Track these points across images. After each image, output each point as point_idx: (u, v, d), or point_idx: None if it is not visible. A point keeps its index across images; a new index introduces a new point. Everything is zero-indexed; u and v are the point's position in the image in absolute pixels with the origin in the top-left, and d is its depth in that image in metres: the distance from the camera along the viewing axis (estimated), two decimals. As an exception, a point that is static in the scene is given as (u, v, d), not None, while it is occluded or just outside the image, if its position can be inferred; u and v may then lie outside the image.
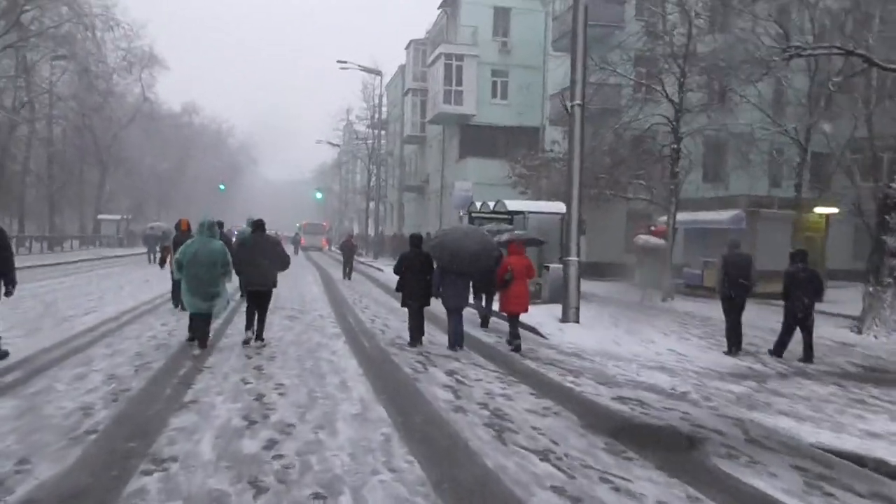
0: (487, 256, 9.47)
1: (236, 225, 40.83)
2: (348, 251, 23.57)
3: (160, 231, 29.23)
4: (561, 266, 16.44)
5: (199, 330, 8.85)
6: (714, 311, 14.36)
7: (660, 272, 17.89)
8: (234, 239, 12.63)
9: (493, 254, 9.62)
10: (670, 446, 5.50)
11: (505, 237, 12.26)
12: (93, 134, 37.89)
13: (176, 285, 10.98)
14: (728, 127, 20.35)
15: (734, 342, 10.17)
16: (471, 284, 9.98)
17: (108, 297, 14.64)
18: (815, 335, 10.00)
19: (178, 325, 10.63)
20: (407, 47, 45.47)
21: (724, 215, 18.43)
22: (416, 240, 9.80)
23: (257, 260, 9.15)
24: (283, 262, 9.47)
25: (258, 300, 9.29)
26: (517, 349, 9.63)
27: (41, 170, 39.80)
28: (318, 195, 71.93)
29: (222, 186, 74.11)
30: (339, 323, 11.95)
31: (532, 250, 13.91)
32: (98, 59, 36.64)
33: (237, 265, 9.06)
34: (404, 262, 9.53)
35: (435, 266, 9.30)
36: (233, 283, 9.15)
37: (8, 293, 7.49)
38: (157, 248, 25.92)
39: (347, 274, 23.10)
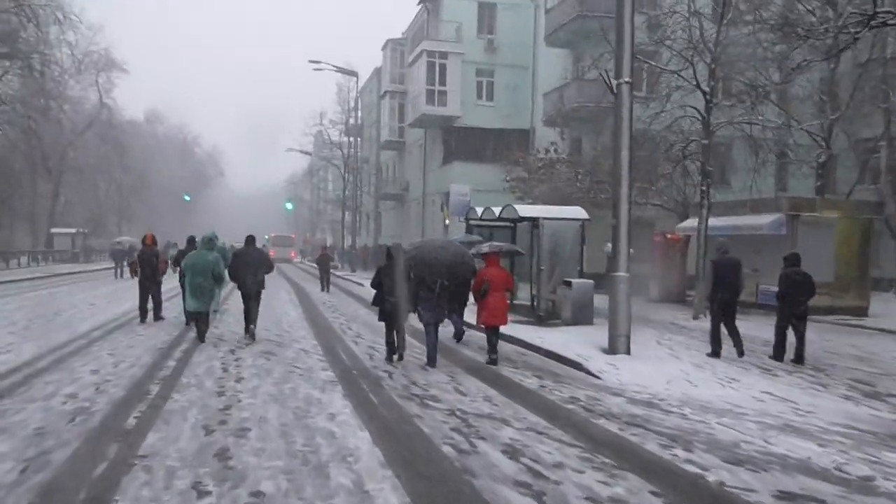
0: (464, 268, 9.40)
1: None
2: (324, 264, 23.32)
3: (126, 245, 31.29)
4: (583, 282, 14.13)
5: (198, 326, 10.68)
6: (759, 328, 12.46)
7: (688, 285, 15.55)
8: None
9: (469, 265, 9.52)
10: None
11: (484, 248, 11.47)
12: (39, 140, 34.41)
13: (143, 299, 12.87)
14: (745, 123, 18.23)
15: (717, 346, 10.19)
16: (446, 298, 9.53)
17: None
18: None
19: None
20: (384, 48, 43.03)
21: (762, 220, 16.22)
22: (393, 251, 9.46)
23: (250, 267, 11.16)
24: (270, 267, 11.72)
25: (251, 299, 11.18)
26: (493, 363, 9.38)
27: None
28: (289, 205, 68.84)
29: (187, 197, 70.52)
30: (329, 361, 9.30)
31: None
32: (46, 58, 33.23)
33: (233, 272, 11.17)
34: (381, 275, 9.27)
35: (410, 279, 9.12)
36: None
37: None
38: (125, 263, 26.28)
39: (325, 287, 22.67)
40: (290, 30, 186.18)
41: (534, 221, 15.23)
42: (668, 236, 20.03)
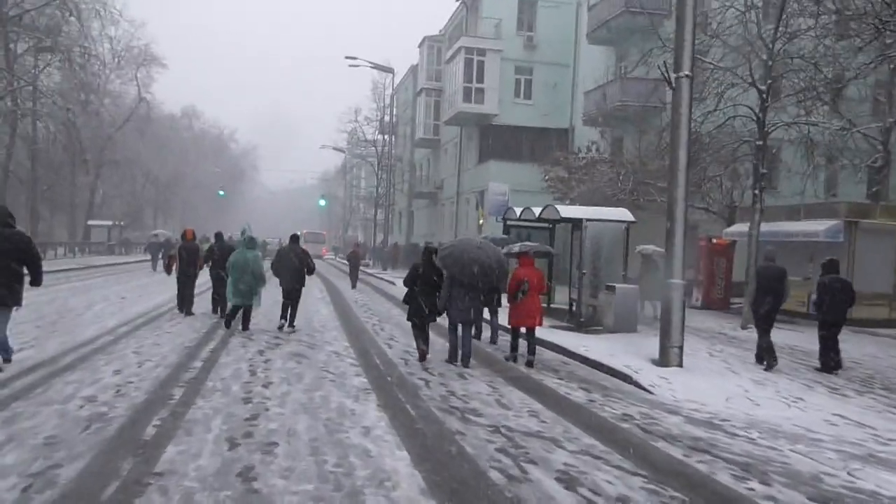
0: (500, 270, 9.23)
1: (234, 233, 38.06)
2: (354, 260, 23.72)
3: (163, 238, 30.63)
4: (628, 287, 13.43)
5: (238, 316, 11.22)
6: (811, 340, 11.71)
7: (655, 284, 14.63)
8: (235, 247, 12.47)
9: (504, 268, 9.38)
10: None
11: (516, 249, 11.77)
12: (79, 133, 34.72)
13: (181, 290, 13.16)
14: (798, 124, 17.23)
15: (772, 358, 9.65)
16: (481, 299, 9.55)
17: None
18: None
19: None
20: (420, 45, 42.60)
21: (818, 226, 15.31)
22: (429, 251, 9.38)
23: (291, 265, 11.73)
24: (311, 268, 12.00)
25: (291, 297, 11.71)
26: (530, 364, 9.27)
27: (24, 171, 36.72)
28: (322, 202, 68.92)
29: (222, 192, 71.11)
30: (362, 366, 8.81)
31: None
32: (87, 52, 33.49)
33: (275, 269, 11.93)
34: (417, 274, 9.16)
35: (445, 278, 9.01)
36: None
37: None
38: (161, 256, 25.71)
39: (354, 284, 23.04)
40: (327, 29, 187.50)
41: (575, 223, 14.61)
42: (714, 241, 19.14)
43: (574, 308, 15.60)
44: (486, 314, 11.16)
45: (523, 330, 9.55)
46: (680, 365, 9.10)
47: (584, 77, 30.04)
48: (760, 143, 14.80)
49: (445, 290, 8.97)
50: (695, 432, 6.31)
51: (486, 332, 11.70)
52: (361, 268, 24.86)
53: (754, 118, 14.86)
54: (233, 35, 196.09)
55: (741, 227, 16.06)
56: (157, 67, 50.61)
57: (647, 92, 24.23)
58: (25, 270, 7.34)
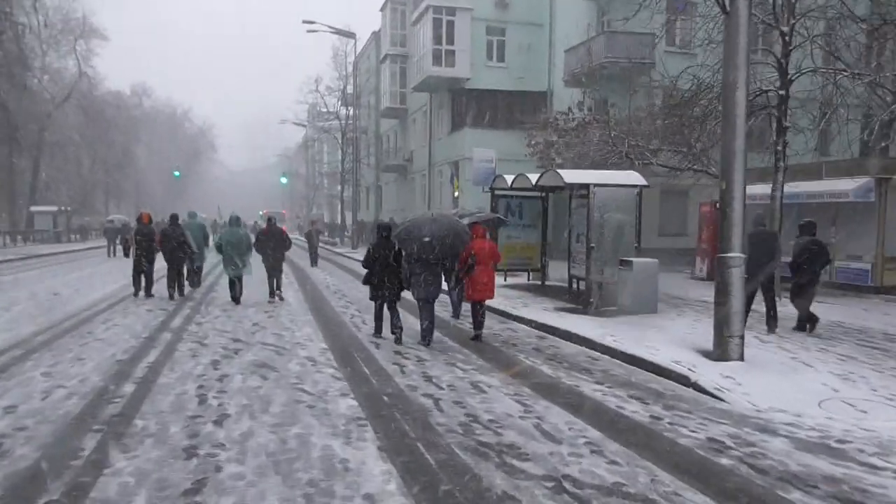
0: (458, 241, 8.83)
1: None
2: (312, 239, 23.60)
3: (119, 224, 31.41)
4: (646, 262, 11.67)
5: (235, 290, 12.68)
6: (853, 314, 11.24)
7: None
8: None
9: (462, 237, 8.93)
10: None
11: (466, 220, 11.08)
12: (7, 111, 31.56)
13: (136, 275, 13.53)
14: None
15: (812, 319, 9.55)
16: (442, 274, 9.08)
17: None
18: None
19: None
20: (383, 8, 39.92)
21: (847, 185, 13.73)
22: (384, 228, 9.26)
23: (272, 243, 13.06)
24: (288, 244, 13.46)
25: (275, 269, 13.10)
26: (478, 338, 9.15)
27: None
28: (283, 180, 65.97)
29: (177, 173, 67.54)
30: (348, 378, 6.85)
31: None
32: (7, 17, 30.24)
33: (257, 247, 13.00)
34: (374, 252, 9.00)
35: (404, 255, 8.84)
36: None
37: None
38: (118, 241, 25.81)
39: (314, 262, 22.84)
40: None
41: (575, 189, 12.80)
42: (719, 205, 17.51)
43: (576, 286, 13.90)
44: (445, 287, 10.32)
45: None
46: (741, 358, 7.37)
47: (561, 36, 28.08)
48: (783, 92, 13.08)
49: (406, 268, 8.82)
50: (820, 466, 4.55)
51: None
52: (328, 247, 23.53)
53: (775, 64, 13.11)
54: (182, 10, 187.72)
55: (759, 189, 14.38)
56: (98, 40, 47.10)
57: (635, 46, 22.49)
58: None
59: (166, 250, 13.27)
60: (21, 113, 36.68)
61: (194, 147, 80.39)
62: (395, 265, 8.88)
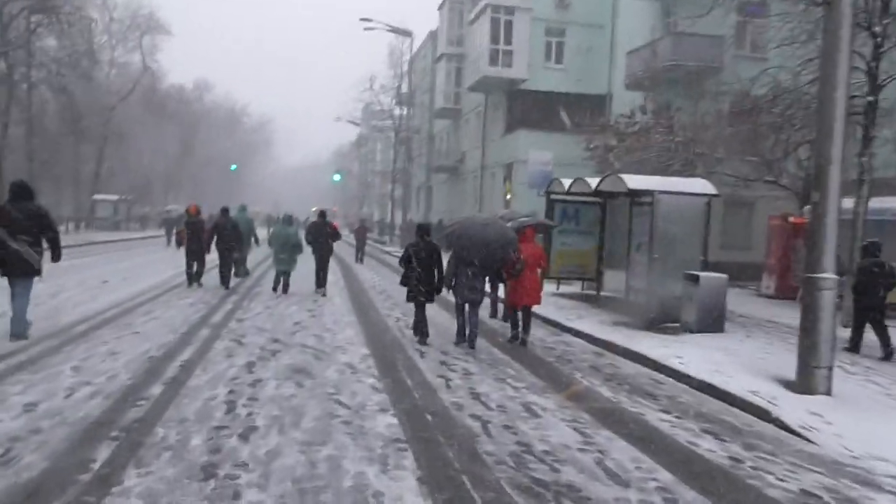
0: (510, 248, 8.70)
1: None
2: (361, 235, 24.91)
3: (176, 214, 31.17)
4: (714, 276, 10.82)
5: (282, 282, 13.40)
6: None
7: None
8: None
9: (513, 244, 8.80)
10: None
11: (513, 224, 10.72)
12: (74, 101, 32.40)
13: (188, 265, 13.76)
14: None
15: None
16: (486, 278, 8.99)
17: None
18: None
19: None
20: (441, 7, 39.53)
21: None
22: (423, 229, 9.16)
23: (322, 235, 13.96)
24: (336, 236, 14.32)
25: (323, 260, 13.84)
26: (524, 343, 9.02)
27: (22, 143, 34.44)
28: (336, 177, 66.32)
29: (234, 167, 68.72)
30: (388, 390, 6.32)
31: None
32: (78, 11, 31.02)
33: (307, 239, 14.05)
34: (411, 253, 8.86)
35: (450, 256, 8.73)
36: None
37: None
38: (174, 231, 25.68)
39: (360, 259, 24.05)
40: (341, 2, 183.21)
41: (636, 196, 12.03)
42: (791, 219, 16.40)
43: (635, 298, 13.07)
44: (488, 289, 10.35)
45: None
46: (829, 392, 6.53)
47: (622, 38, 27.13)
48: (871, 98, 12.01)
49: (451, 269, 8.67)
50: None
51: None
52: (377, 245, 23.90)
53: (864, 68, 12.04)
54: (245, 9, 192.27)
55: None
56: (163, 35, 48.15)
57: (703, 49, 21.44)
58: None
59: (217, 241, 13.61)
60: (86, 105, 37.59)
61: (251, 142, 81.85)
62: (432, 267, 8.79)
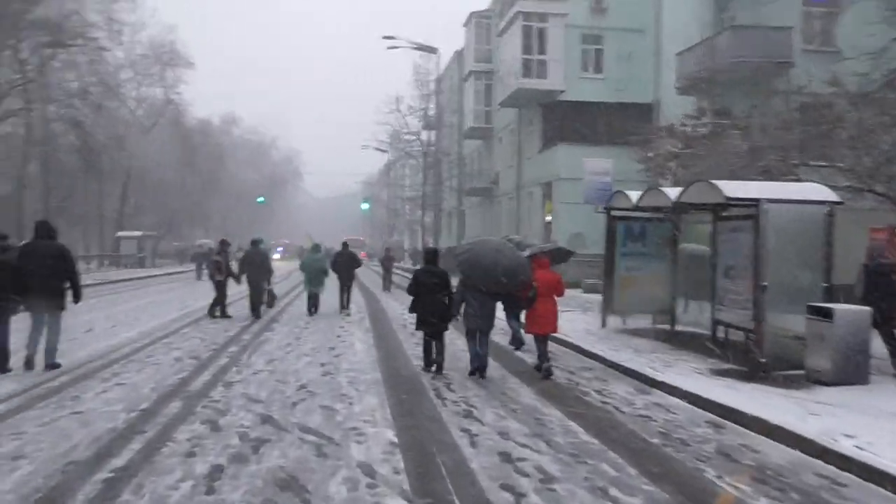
0: (524, 274, 8.38)
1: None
2: (388, 264, 24.99)
3: (206, 248, 31.26)
4: (854, 310, 8.23)
5: (314, 303, 15.14)
6: None
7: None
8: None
9: (527, 270, 8.49)
10: None
11: (527, 252, 10.33)
12: (84, 135, 31.19)
13: (217, 297, 14.28)
14: None
15: None
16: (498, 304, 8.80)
17: None
18: None
19: None
20: (466, 23, 37.76)
21: None
22: (430, 255, 9.07)
23: (345, 262, 16.04)
24: (359, 263, 16.71)
25: (347, 284, 15.86)
26: (548, 374, 8.41)
27: (38, 180, 33.29)
28: (365, 205, 64.78)
29: (261, 199, 67.60)
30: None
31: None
32: (91, 42, 29.91)
33: (333, 267, 15.92)
34: (418, 280, 8.68)
35: (457, 282, 8.45)
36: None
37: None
38: (205, 266, 25.02)
39: (387, 287, 23.89)
40: (365, 25, 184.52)
41: (727, 209, 9.56)
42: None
43: (724, 335, 10.45)
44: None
45: None
46: None
47: (668, 40, 24.75)
48: None
49: (458, 296, 8.41)
50: None
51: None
52: (405, 274, 24.63)
53: None
54: (271, 38, 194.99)
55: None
56: (183, 68, 47.17)
57: (769, 44, 19.00)
58: None
59: (248, 272, 14.25)
60: (108, 140, 36.40)
61: (280, 174, 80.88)
62: (441, 293, 8.50)
